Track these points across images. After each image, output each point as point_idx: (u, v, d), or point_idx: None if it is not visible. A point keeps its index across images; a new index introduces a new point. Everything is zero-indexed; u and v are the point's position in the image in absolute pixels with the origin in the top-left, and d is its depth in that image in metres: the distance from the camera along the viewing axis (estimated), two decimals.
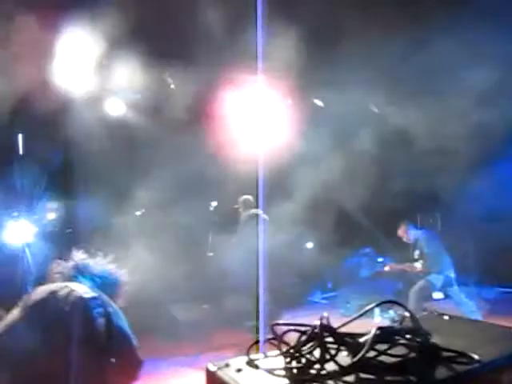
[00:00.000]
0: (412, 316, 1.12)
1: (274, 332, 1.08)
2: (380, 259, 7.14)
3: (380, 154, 6.48)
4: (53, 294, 1.97)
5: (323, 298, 7.92)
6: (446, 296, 5.64)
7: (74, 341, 1.84)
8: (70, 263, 2.18)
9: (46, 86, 4.94)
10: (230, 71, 6.43)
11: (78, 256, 2.22)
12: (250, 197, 5.84)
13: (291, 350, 1.00)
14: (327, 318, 1.05)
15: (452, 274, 5.46)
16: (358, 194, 7.09)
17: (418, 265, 5.40)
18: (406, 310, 1.15)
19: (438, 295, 5.85)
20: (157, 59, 5.85)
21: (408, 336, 1.07)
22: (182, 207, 6.36)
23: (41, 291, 2.01)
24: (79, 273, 2.15)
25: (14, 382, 1.82)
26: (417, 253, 5.56)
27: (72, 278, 2.11)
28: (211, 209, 6.94)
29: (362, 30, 4.76)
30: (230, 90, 6.55)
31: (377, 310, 5.37)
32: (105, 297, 2.08)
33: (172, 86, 5.84)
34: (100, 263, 2.24)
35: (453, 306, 5.38)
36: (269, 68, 5.91)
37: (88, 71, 5.41)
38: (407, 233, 5.76)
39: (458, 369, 0.94)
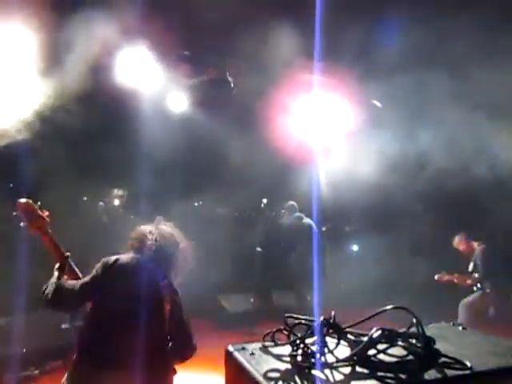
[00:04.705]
0: (418, 322, 1.20)
1: (285, 323, 1.21)
2: None
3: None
4: (136, 260, 2.26)
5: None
6: None
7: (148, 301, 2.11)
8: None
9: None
10: (292, 71, 6.49)
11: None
12: (294, 203, 6.50)
13: (297, 341, 1.13)
14: (334, 316, 1.17)
15: None
16: (416, 198, 6.88)
17: (469, 278, 5.21)
18: (414, 316, 1.23)
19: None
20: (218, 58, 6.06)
21: (410, 340, 1.16)
22: (235, 202, 6.60)
23: (125, 256, 2.28)
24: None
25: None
26: (471, 265, 5.36)
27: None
28: (262, 205, 7.14)
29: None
30: (291, 90, 6.61)
31: None
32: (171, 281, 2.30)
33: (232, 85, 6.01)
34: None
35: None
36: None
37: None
38: (463, 244, 5.56)
39: (449, 373, 1.01)
